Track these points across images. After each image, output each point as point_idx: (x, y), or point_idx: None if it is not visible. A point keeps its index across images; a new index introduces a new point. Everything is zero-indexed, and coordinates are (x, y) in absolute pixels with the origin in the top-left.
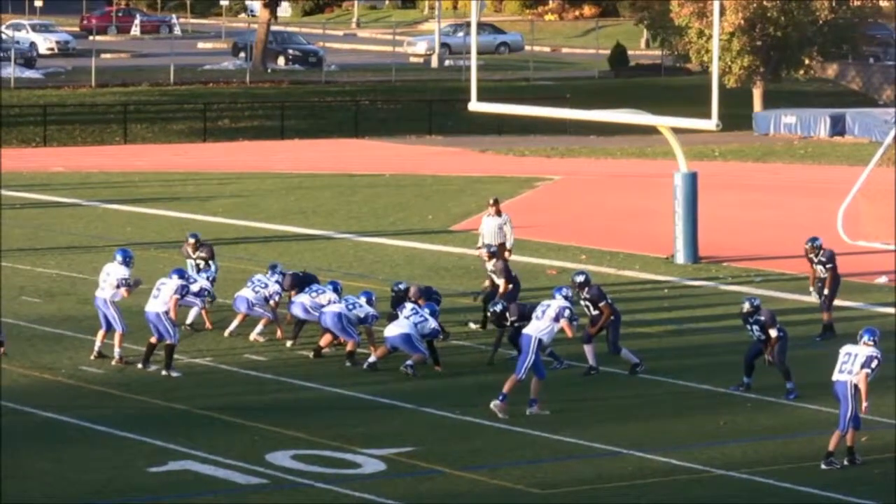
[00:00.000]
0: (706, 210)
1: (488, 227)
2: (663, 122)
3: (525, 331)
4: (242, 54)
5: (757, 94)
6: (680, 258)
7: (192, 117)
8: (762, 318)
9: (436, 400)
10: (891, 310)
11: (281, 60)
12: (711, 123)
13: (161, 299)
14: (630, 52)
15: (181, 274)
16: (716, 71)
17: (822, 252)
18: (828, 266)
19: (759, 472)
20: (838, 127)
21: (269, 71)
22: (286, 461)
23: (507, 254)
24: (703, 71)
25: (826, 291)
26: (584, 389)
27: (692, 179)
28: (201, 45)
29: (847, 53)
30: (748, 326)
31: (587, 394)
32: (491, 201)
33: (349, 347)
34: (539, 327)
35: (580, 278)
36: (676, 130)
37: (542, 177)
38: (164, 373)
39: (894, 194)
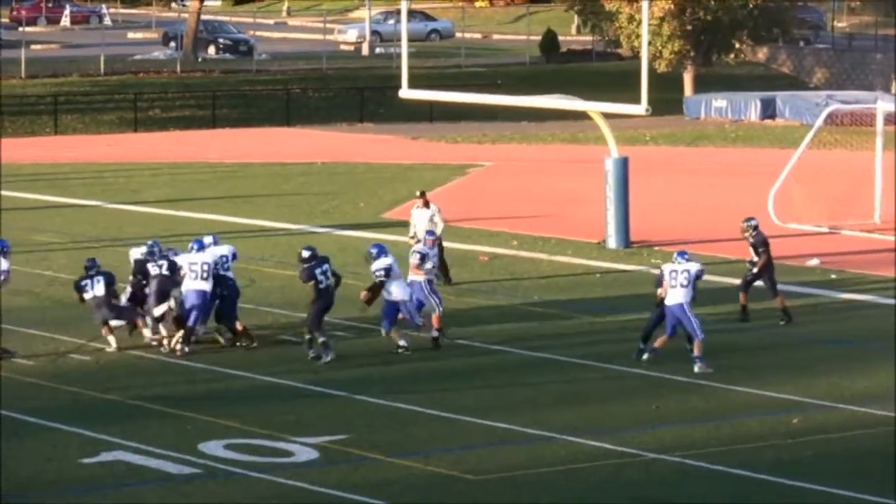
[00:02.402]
0: (637, 195)
1: (420, 219)
2: (594, 108)
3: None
4: (173, 44)
5: (688, 78)
6: (612, 243)
7: (122, 108)
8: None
9: (368, 387)
10: (821, 291)
11: (212, 50)
12: (641, 108)
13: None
14: (561, 38)
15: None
16: (645, 56)
17: (756, 234)
18: (760, 251)
19: (691, 455)
20: (769, 110)
21: (199, 60)
22: (219, 450)
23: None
24: (634, 56)
25: (757, 273)
26: (517, 374)
27: (623, 164)
28: (131, 35)
29: (778, 37)
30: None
31: (520, 379)
32: (418, 193)
33: (438, 322)
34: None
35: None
36: (607, 116)
37: (474, 163)
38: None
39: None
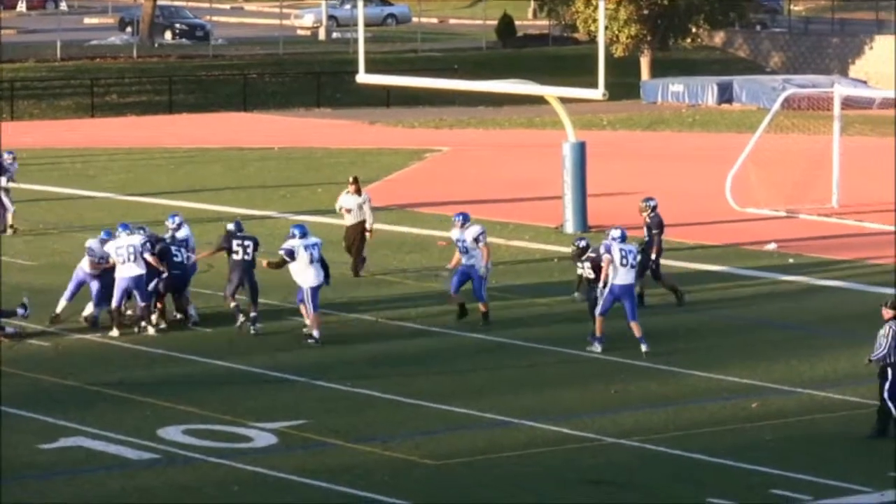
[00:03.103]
0: (595, 179)
1: (346, 202)
2: (550, 92)
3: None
4: (129, 29)
5: (645, 62)
6: (569, 228)
7: (79, 93)
8: (593, 255)
9: (326, 373)
10: (778, 275)
11: (168, 35)
12: (598, 93)
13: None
14: (518, 23)
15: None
16: (602, 40)
17: (654, 214)
18: (654, 232)
19: (651, 440)
20: (726, 94)
21: (156, 45)
22: (178, 436)
23: (368, 234)
24: (590, 40)
25: (652, 257)
26: (475, 359)
27: (580, 149)
28: (88, 20)
29: (734, 21)
30: (580, 265)
31: (478, 364)
32: (350, 179)
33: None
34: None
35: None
36: (564, 100)
37: (432, 148)
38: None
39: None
